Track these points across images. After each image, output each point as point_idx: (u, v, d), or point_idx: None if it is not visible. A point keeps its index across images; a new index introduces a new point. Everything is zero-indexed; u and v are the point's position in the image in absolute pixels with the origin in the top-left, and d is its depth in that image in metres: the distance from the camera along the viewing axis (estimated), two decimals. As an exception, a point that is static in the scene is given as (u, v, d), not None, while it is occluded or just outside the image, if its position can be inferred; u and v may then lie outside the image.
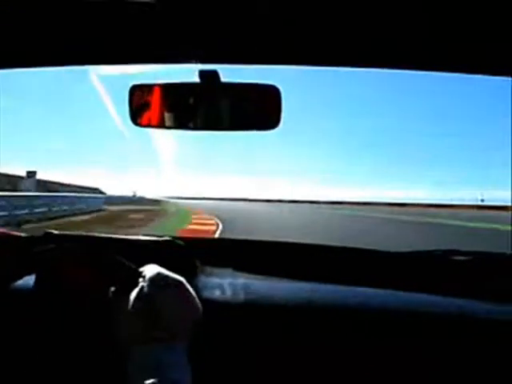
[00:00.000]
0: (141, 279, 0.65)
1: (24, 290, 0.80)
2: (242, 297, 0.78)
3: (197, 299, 0.65)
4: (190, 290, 0.65)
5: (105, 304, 0.72)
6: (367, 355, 0.71)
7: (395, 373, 0.70)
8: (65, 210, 17.22)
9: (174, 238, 0.89)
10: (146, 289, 0.63)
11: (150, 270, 0.66)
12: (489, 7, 0.61)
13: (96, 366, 0.70)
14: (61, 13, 0.71)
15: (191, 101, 0.84)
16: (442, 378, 0.69)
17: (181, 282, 0.65)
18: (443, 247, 1.01)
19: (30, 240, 1.09)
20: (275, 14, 0.68)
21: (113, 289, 0.68)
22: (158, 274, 0.65)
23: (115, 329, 0.64)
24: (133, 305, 0.62)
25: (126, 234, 0.94)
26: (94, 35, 0.79)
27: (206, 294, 0.79)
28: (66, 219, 15.19)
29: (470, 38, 0.69)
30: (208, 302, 0.76)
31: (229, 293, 0.80)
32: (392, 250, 1.07)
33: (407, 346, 0.71)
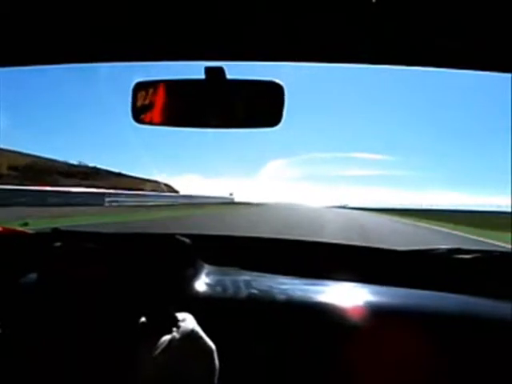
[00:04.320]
0: (174, 329, 0.63)
1: (30, 286, 0.81)
2: (245, 294, 0.79)
3: (217, 369, 0.63)
4: (216, 360, 0.63)
5: (108, 304, 0.73)
6: (370, 351, 0.71)
7: (398, 369, 0.70)
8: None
9: (179, 234, 0.89)
10: (175, 343, 0.61)
11: (186, 323, 0.64)
12: (489, 4, 0.61)
13: (97, 363, 0.70)
14: (64, 11, 0.72)
15: (196, 98, 0.84)
16: (445, 374, 0.69)
17: (211, 351, 0.63)
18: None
19: (37, 236, 1.10)
20: (280, 11, 0.69)
21: (143, 320, 0.67)
22: (193, 333, 0.63)
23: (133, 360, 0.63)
24: (157, 354, 0.61)
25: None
26: (98, 33, 0.80)
27: (210, 291, 0.79)
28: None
29: (472, 34, 0.70)
30: (211, 300, 0.77)
31: (232, 290, 0.80)
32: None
33: (410, 342, 0.71)
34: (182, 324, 0.64)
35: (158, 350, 0.61)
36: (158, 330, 0.63)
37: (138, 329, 0.65)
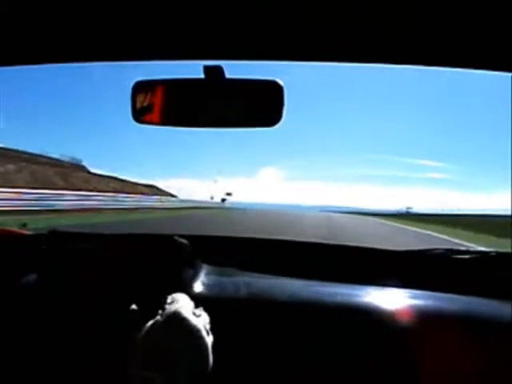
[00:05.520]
0: (160, 312, 0.64)
1: (28, 287, 0.81)
2: (244, 295, 0.79)
3: (209, 350, 0.63)
4: (206, 338, 0.63)
5: (106, 304, 0.73)
6: (368, 352, 0.71)
7: (397, 370, 0.70)
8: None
9: (178, 235, 0.89)
10: (158, 326, 0.62)
11: (171, 305, 0.65)
12: (490, 3, 0.62)
13: (96, 362, 0.70)
14: (64, 10, 0.72)
15: (195, 97, 0.84)
16: (445, 374, 0.69)
17: (197, 330, 0.63)
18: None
19: (35, 238, 1.10)
20: (279, 10, 0.69)
21: (134, 307, 0.68)
22: (175, 315, 0.63)
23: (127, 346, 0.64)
24: (142, 338, 0.62)
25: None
26: (97, 32, 0.80)
27: (208, 291, 0.79)
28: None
29: (472, 33, 0.70)
30: (210, 300, 0.76)
31: (231, 291, 0.80)
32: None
33: (408, 342, 0.71)
34: (167, 306, 0.64)
35: (143, 335, 0.62)
36: (147, 315, 0.64)
37: (130, 317, 0.66)
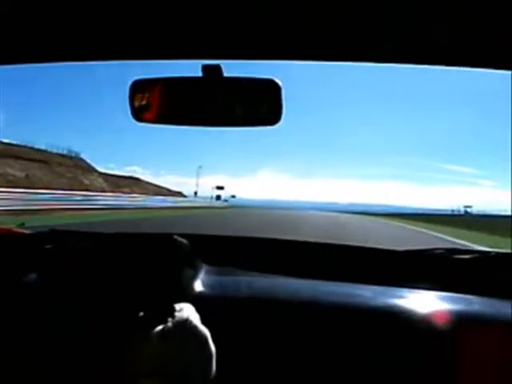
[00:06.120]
0: (169, 319, 0.64)
1: (28, 286, 0.80)
2: (244, 295, 0.78)
3: (215, 358, 0.64)
4: (212, 347, 0.64)
5: (106, 303, 0.73)
6: (370, 351, 0.71)
7: (398, 369, 0.70)
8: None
9: (178, 234, 0.89)
10: (168, 332, 0.62)
11: (181, 313, 0.65)
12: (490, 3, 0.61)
13: (97, 361, 0.70)
14: (64, 10, 0.72)
15: (194, 96, 0.84)
16: (445, 373, 0.69)
17: (205, 338, 0.63)
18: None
19: (35, 237, 1.09)
20: (278, 9, 0.68)
21: (141, 313, 0.68)
22: (187, 322, 0.63)
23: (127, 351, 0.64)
24: (150, 344, 0.62)
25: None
26: (96, 31, 0.79)
27: (209, 291, 0.79)
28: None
29: (471, 31, 0.70)
30: (210, 300, 0.76)
31: (232, 290, 0.80)
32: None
33: (410, 341, 0.70)
34: (177, 314, 0.65)
35: (152, 341, 0.62)
36: (155, 321, 0.64)
37: (135, 322, 0.66)
